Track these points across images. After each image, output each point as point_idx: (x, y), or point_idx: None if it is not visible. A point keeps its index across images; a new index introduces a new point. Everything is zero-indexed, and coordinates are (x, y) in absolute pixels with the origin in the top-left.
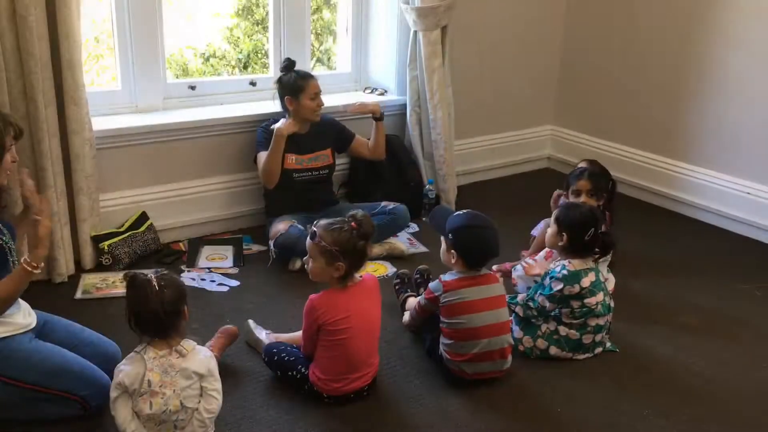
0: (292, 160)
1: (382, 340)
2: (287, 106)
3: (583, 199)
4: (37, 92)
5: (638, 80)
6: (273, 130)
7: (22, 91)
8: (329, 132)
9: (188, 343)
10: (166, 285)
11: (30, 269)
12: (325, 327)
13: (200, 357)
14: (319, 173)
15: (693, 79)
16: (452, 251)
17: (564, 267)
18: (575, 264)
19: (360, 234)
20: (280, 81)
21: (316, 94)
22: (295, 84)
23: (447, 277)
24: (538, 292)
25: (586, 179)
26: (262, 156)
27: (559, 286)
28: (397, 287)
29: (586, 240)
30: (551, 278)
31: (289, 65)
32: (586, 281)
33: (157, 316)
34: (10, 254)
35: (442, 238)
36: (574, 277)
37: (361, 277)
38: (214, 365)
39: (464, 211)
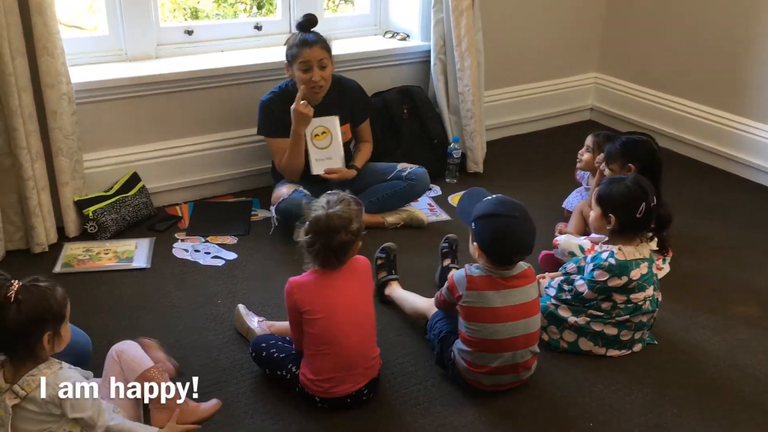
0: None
1: (388, 336)
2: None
3: None
4: (1, 41)
5: (697, 21)
6: (275, 109)
7: None
8: (349, 103)
9: (33, 379)
10: (27, 299)
11: None
12: (306, 316)
13: (44, 396)
14: None
15: (763, 20)
16: (475, 243)
17: (612, 254)
18: (626, 252)
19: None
20: (287, 42)
21: (309, 66)
22: (290, 50)
23: (474, 270)
24: (579, 276)
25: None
26: (276, 146)
27: (604, 278)
28: (378, 262)
29: (638, 217)
30: (595, 266)
31: (303, 23)
32: (635, 273)
33: None
34: None
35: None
36: (622, 267)
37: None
38: (73, 401)
39: (494, 196)
